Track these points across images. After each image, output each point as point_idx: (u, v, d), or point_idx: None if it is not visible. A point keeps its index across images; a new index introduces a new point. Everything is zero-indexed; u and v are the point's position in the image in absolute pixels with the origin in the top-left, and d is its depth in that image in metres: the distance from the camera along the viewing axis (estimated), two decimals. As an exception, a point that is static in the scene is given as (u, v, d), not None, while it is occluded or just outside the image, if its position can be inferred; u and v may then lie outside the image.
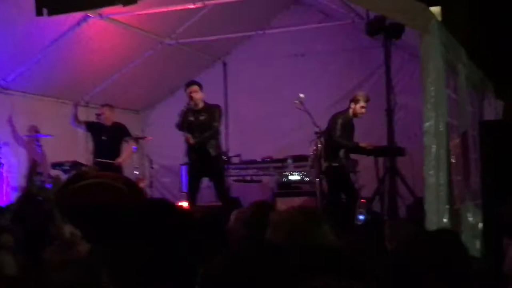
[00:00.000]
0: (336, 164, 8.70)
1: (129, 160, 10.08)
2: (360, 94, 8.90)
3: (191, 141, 8.65)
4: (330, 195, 8.65)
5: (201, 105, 8.80)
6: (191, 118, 8.72)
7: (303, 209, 2.83)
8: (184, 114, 8.71)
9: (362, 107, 8.80)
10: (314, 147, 8.66)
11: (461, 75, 6.60)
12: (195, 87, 8.80)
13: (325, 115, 9.32)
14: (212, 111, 8.82)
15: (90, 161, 9.83)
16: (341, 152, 8.77)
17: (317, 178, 8.61)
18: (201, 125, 8.73)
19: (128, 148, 10.11)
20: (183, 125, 8.68)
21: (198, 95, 8.75)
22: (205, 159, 8.69)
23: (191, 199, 8.72)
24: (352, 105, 8.86)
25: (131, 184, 2.90)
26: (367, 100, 8.81)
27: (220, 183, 8.88)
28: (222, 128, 9.41)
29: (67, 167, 9.63)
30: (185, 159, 9.11)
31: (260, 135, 11.26)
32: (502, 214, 4.13)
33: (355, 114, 8.88)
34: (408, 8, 5.56)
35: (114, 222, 2.54)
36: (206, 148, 8.71)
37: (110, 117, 10.08)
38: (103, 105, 10.14)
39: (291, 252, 1.89)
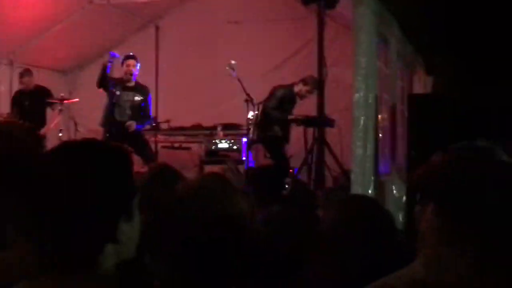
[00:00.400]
0: (271, 134, 8.70)
1: (49, 120, 9.87)
2: (313, 80, 8.78)
3: (131, 125, 8.57)
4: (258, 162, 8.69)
5: (132, 82, 8.71)
6: (119, 92, 8.56)
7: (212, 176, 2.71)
8: (113, 82, 8.57)
9: (308, 91, 8.77)
10: (252, 114, 8.67)
11: (392, 48, 6.62)
12: (132, 61, 8.66)
13: (257, 84, 9.28)
14: (146, 93, 8.82)
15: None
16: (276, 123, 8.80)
17: (251, 145, 8.65)
18: (136, 105, 8.69)
19: (54, 117, 9.85)
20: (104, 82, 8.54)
21: (136, 70, 8.63)
22: (124, 135, 8.52)
23: None
24: (300, 85, 8.84)
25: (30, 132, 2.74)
26: (315, 88, 8.72)
27: (143, 148, 8.78)
28: (152, 93, 9.26)
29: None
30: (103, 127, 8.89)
31: (190, 102, 11.10)
32: (410, 179, 4.13)
33: (298, 94, 8.87)
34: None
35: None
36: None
37: (29, 82, 9.83)
38: (21, 73, 9.88)
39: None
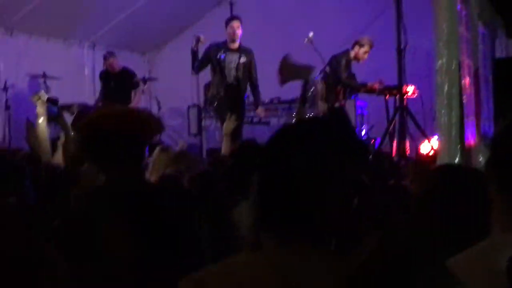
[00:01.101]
0: (338, 105, 8.65)
1: (138, 104, 10.05)
2: (366, 39, 8.82)
3: (262, 114, 8.73)
4: None
5: (237, 44, 8.63)
6: (223, 55, 8.49)
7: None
8: (200, 55, 8.48)
9: (366, 52, 8.73)
10: (313, 87, 8.60)
11: (473, 11, 6.46)
12: (238, 22, 8.64)
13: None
14: (251, 56, 8.73)
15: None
16: (342, 94, 8.72)
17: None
18: (243, 67, 8.60)
19: (137, 96, 10.05)
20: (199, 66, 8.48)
21: (239, 33, 8.57)
22: (235, 100, 8.50)
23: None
24: (356, 48, 8.78)
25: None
26: (371, 46, 8.71)
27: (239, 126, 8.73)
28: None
29: (75, 110, 9.59)
30: (194, 102, 8.90)
31: (269, 76, 11.11)
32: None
33: (356, 58, 8.82)
34: None
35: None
36: (240, 90, 8.58)
37: (114, 64, 10.03)
38: (105, 56, 10.08)
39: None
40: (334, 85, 8.64)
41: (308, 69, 7.62)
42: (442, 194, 2.32)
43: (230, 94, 8.47)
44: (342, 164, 1.57)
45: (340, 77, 8.63)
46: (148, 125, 2.73)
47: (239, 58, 8.56)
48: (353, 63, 8.91)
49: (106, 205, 2.36)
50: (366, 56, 8.77)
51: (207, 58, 8.50)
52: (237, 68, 8.55)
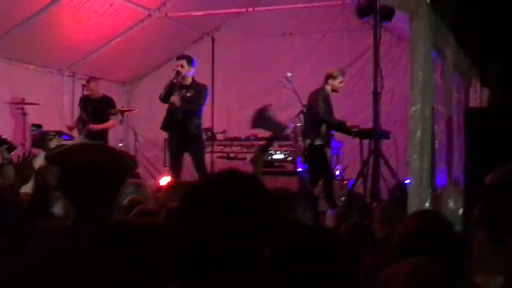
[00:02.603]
0: (320, 143, 8.71)
1: (110, 130, 10.08)
2: (335, 70, 8.92)
3: (178, 103, 8.57)
4: (311, 174, 8.64)
5: (188, 81, 8.77)
6: (177, 93, 8.67)
7: (276, 189, 2.83)
8: (170, 87, 8.66)
9: (341, 81, 8.86)
10: (294, 125, 8.71)
11: (448, 60, 6.62)
12: (182, 61, 8.74)
13: (312, 95, 9.34)
14: (199, 90, 8.76)
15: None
16: (323, 129, 8.77)
17: (300, 156, 8.69)
18: (187, 101, 8.67)
19: (110, 121, 10.05)
20: (168, 97, 8.65)
21: (185, 70, 8.69)
22: (185, 137, 8.65)
23: (174, 173, 8.71)
24: (330, 81, 8.87)
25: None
26: (343, 75, 8.86)
27: (200, 161, 8.84)
28: (207, 105, 9.33)
29: (51, 137, 9.59)
30: (165, 133, 9.07)
31: (246, 113, 11.21)
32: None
33: (334, 90, 8.90)
34: (399, -8, 5.56)
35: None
36: (186, 127, 8.66)
37: (96, 89, 10.05)
38: (87, 80, 10.12)
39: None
40: (313, 123, 8.70)
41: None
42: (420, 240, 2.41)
43: (180, 132, 8.67)
44: (245, 219, 1.66)
45: (318, 113, 8.69)
46: (123, 161, 2.74)
47: (186, 93, 8.72)
48: (332, 95, 8.96)
49: (76, 247, 2.32)
50: (342, 85, 8.89)
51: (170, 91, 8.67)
52: (182, 101, 8.67)
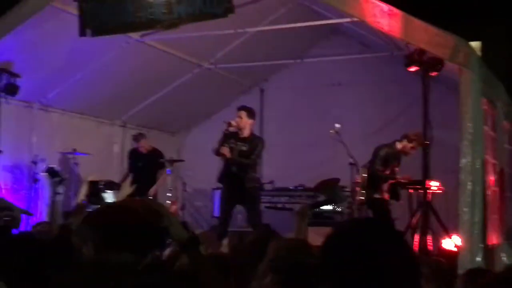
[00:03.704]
0: (378, 196, 8.66)
1: (163, 185, 10.14)
2: (417, 136, 8.41)
3: (228, 154, 8.43)
4: None
5: (246, 133, 8.63)
6: (233, 145, 8.54)
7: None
8: (225, 139, 8.56)
9: (413, 148, 8.68)
10: (357, 177, 8.76)
11: (499, 112, 6.55)
12: (241, 112, 8.60)
13: (360, 146, 9.32)
14: (255, 144, 8.61)
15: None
16: (385, 185, 8.74)
17: (358, 208, 8.65)
18: (242, 154, 8.53)
19: (161, 178, 10.16)
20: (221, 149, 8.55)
21: (243, 121, 8.56)
22: (240, 190, 8.49)
23: (223, 224, 8.62)
24: (404, 142, 8.75)
25: (147, 206, 2.94)
26: (420, 145, 8.39)
27: (255, 214, 8.64)
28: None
29: (101, 186, 9.74)
30: (219, 185, 9.01)
31: (294, 163, 11.25)
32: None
33: (403, 152, 8.80)
34: (449, 44, 5.55)
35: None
36: (242, 180, 8.50)
37: (145, 145, 10.23)
38: (136, 136, 10.28)
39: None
40: (372, 175, 8.72)
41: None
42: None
43: (237, 185, 8.54)
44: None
45: (373, 167, 8.68)
46: (157, 217, 2.78)
47: (242, 146, 8.55)
48: (402, 155, 8.90)
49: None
50: (413, 151, 8.70)
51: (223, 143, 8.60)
52: (240, 156, 8.53)
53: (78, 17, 7.50)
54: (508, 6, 11.22)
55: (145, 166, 10.12)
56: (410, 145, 8.71)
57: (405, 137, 8.79)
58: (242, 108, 8.71)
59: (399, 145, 8.83)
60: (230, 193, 8.64)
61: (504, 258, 5.97)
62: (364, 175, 8.68)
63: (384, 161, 8.77)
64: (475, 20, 11.01)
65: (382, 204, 8.75)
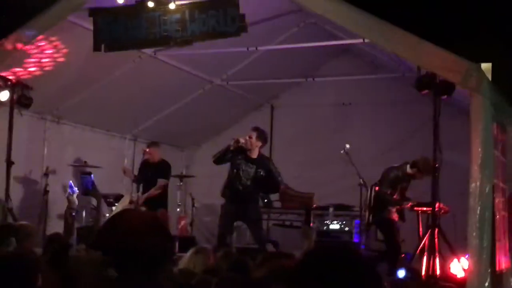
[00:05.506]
0: (386, 216, 8.70)
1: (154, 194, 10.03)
2: (426, 165, 8.35)
3: (241, 139, 8.30)
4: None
5: (255, 154, 8.47)
6: (239, 161, 8.42)
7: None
8: (224, 152, 8.46)
9: (421, 176, 8.65)
10: (368, 197, 8.87)
11: (510, 136, 6.56)
12: (253, 133, 8.43)
13: (370, 166, 9.33)
14: (265, 164, 8.51)
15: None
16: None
17: (367, 228, 8.71)
18: (258, 180, 8.44)
19: (157, 186, 9.96)
20: (219, 160, 8.51)
21: (253, 142, 8.38)
22: (242, 207, 8.45)
23: (220, 238, 8.53)
24: (414, 169, 8.72)
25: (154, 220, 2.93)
26: (428, 174, 8.18)
27: (258, 231, 8.62)
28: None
29: (111, 199, 9.78)
30: (223, 197, 8.87)
31: (303, 181, 11.26)
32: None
33: (411, 176, 8.78)
34: (461, 68, 5.58)
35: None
36: (246, 198, 8.47)
37: (155, 154, 10.14)
38: (148, 145, 10.23)
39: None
40: (379, 196, 8.76)
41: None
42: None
43: (241, 201, 8.49)
44: None
45: (381, 189, 8.71)
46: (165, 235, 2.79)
47: (256, 170, 8.44)
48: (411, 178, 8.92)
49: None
50: (422, 178, 8.71)
51: (225, 161, 8.57)
52: (253, 179, 8.44)
53: (92, 32, 7.60)
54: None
55: (153, 176, 10.11)
56: (420, 174, 8.67)
57: (415, 165, 8.71)
58: (256, 129, 8.59)
59: (409, 170, 8.80)
60: (232, 208, 8.53)
61: (512, 283, 5.96)
62: (372, 194, 8.72)
63: (392, 183, 8.77)
64: (485, 40, 11.02)
65: (391, 225, 8.74)
